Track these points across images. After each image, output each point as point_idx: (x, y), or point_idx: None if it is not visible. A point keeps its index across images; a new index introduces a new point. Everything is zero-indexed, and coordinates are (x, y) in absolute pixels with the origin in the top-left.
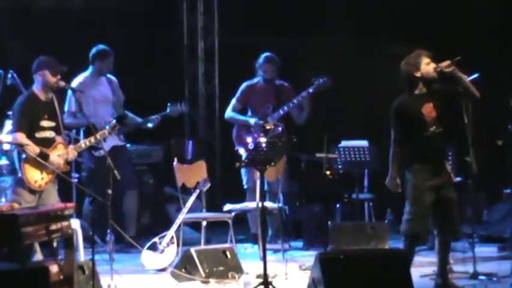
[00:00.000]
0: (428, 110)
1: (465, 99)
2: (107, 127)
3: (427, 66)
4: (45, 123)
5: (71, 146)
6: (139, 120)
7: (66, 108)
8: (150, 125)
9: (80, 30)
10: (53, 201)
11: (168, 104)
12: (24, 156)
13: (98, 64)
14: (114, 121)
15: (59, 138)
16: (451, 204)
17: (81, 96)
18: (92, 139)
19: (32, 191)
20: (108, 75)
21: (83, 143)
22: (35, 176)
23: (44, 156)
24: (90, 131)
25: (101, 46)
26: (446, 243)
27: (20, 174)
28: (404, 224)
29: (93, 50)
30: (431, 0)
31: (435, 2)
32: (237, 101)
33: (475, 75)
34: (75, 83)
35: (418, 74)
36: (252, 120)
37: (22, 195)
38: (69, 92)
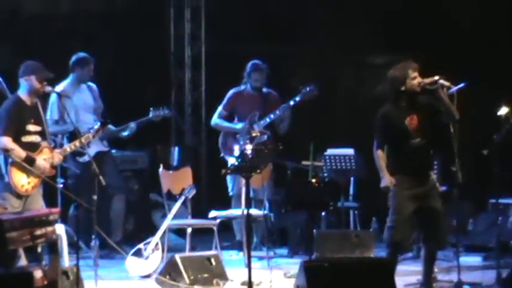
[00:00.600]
0: (412, 121)
1: (444, 118)
2: (91, 131)
3: (412, 81)
4: (31, 127)
5: (57, 150)
6: (114, 128)
7: (48, 116)
8: (125, 133)
9: (66, 35)
10: (37, 206)
11: (151, 109)
12: (10, 160)
13: (78, 72)
14: (98, 125)
15: (44, 143)
16: (436, 214)
17: (65, 102)
18: (77, 143)
19: (19, 196)
20: (89, 83)
21: (68, 147)
22: (22, 181)
23: (31, 161)
24: (74, 136)
25: (81, 54)
26: (431, 253)
27: (6, 179)
28: (386, 232)
29: (74, 58)
30: (418, 10)
31: (422, 12)
32: (223, 108)
33: (462, 85)
34: (58, 88)
35: (403, 88)
36: (239, 125)
37: (9, 200)
38: (52, 99)
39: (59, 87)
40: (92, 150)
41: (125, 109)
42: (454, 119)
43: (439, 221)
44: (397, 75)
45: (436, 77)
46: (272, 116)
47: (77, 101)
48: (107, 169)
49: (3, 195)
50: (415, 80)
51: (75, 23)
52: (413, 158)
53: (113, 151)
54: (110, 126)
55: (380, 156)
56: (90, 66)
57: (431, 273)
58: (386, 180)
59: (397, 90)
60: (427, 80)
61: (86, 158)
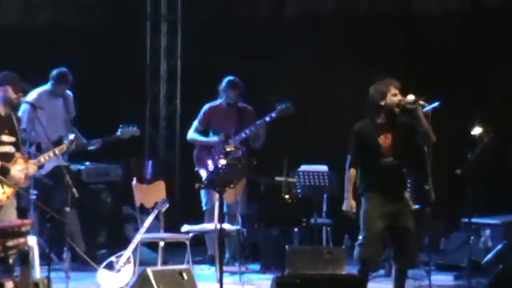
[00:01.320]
0: (386, 140)
1: (420, 139)
2: (65, 142)
3: (392, 97)
4: (5, 138)
5: (31, 161)
6: (83, 141)
7: None
8: (91, 147)
9: (43, 47)
10: (10, 217)
11: (120, 126)
12: None
13: (54, 86)
14: (72, 136)
15: (18, 154)
16: (407, 232)
17: (38, 112)
18: (51, 153)
19: None
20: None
21: (42, 157)
22: None
23: (5, 171)
24: (40, 147)
25: (63, 70)
26: (402, 270)
27: None
28: (356, 249)
29: (54, 71)
30: (393, 27)
31: (397, 29)
32: (199, 123)
33: (436, 104)
34: (31, 96)
35: (383, 103)
36: (214, 138)
37: None
38: (23, 107)
39: (34, 94)
40: (50, 163)
41: (99, 121)
42: (430, 141)
43: (410, 240)
44: (378, 89)
45: (413, 97)
46: (247, 131)
47: (48, 110)
48: (61, 183)
49: None
50: (395, 97)
51: (51, 35)
52: (385, 176)
53: (87, 163)
54: (81, 137)
55: (350, 177)
56: (66, 85)
57: None
58: (348, 204)
59: (376, 104)
60: (408, 99)
61: (42, 172)
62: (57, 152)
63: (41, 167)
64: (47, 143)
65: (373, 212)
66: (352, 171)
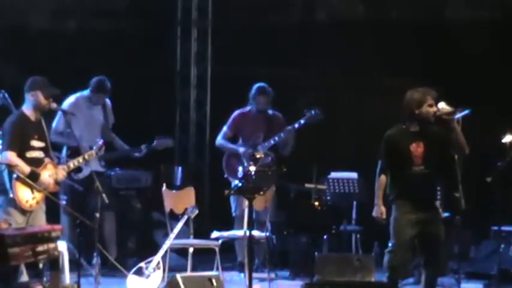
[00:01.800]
0: (418, 148)
1: (453, 150)
2: (94, 148)
3: (428, 108)
4: (35, 143)
5: (60, 166)
6: (127, 148)
7: (53, 125)
8: (136, 154)
9: (72, 53)
10: (40, 222)
11: (155, 137)
12: (15, 176)
13: (92, 94)
14: (101, 142)
15: (47, 159)
16: (437, 240)
17: (71, 118)
18: (80, 159)
19: (23, 212)
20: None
21: (72, 163)
22: (26, 196)
23: (35, 176)
24: (74, 152)
25: (101, 79)
26: (431, 278)
27: (11, 194)
28: (386, 256)
29: (94, 79)
30: (423, 35)
31: (427, 37)
32: (228, 129)
33: (467, 111)
34: (68, 100)
35: (417, 112)
36: (241, 150)
37: (13, 216)
38: (59, 113)
39: (72, 98)
40: (87, 168)
41: (129, 128)
42: (464, 153)
43: (439, 248)
44: (415, 98)
45: (445, 105)
46: (276, 138)
47: (86, 116)
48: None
49: (8, 211)
50: (431, 107)
51: (81, 41)
52: (415, 184)
53: (117, 169)
54: (124, 144)
55: (380, 183)
56: (102, 95)
57: None
58: (378, 210)
59: (411, 112)
60: (445, 110)
61: (80, 176)
62: (86, 157)
63: (79, 170)
64: (84, 147)
65: (403, 220)
66: (383, 177)
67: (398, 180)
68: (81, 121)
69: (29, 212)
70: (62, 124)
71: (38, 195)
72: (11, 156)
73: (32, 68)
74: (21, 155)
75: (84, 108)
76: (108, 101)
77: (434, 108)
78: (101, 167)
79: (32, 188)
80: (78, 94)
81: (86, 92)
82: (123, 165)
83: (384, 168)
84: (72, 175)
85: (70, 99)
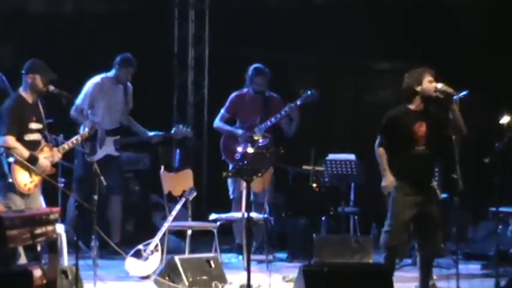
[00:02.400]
0: (421, 128)
1: (452, 132)
2: (87, 129)
3: (428, 84)
4: (33, 125)
5: (55, 149)
6: (147, 134)
7: (77, 101)
8: (153, 140)
9: (70, 35)
10: (38, 205)
11: (174, 125)
12: (13, 159)
13: (117, 71)
14: (91, 123)
15: (43, 142)
16: (433, 221)
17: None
18: (74, 140)
19: (22, 195)
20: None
21: (66, 144)
22: (24, 180)
23: (34, 159)
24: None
25: (127, 55)
26: (427, 259)
27: (9, 179)
28: (383, 236)
29: (119, 56)
30: (421, 17)
31: (425, 19)
32: (225, 111)
33: (465, 92)
34: (94, 80)
35: (419, 89)
36: (239, 132)
37: (12, 199)
38: (88, 88)
39: (97, 78)
40: (102, 151)
41: None
42: (462, 134)
43: (435, 229)
44: (414, 76)
45: (451, 89)
46: (273, 119)
47: (109, 98)
48: (111, 172)
49: (7, 195)
50: (431, 83)
51: (78, 23)
52: (416, 165)
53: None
54: (143, 130)
55: (381, 153)
56: (130, 69)
57: (428, 280)
58: (387, 179)
59: (412, 90)
60: (446, 88)
61: (93, 158)
62: (79, 138)
63: (93, 153)
64: (102, 129)
65: (402, 201)
66: (381, 149)
67: (399, 160)
68: (103, 103)
69: (27, 195)
70: (87, 104)
71: (36, 179)
72: (10, 141)
73: (31, 51)
74: (19, 138)
75: (108, 90)
76: (130, 85)
77: (434, 84)
78: (116, 152)
79: (30, 171)
80: (103, 75)
81: (110, 73)
82: (121, 148)
83: (382, 142)
84: (86, 157)
85: (95, 79)
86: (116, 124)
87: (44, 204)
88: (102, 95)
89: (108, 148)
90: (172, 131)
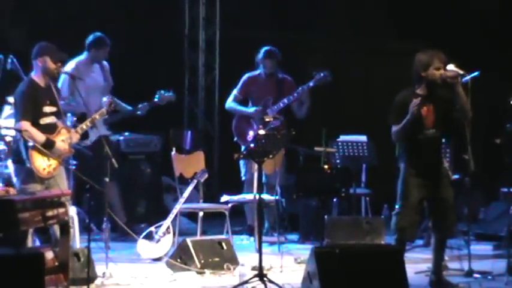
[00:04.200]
0: (429, 112)
1: (458, 115)
2: (104, 107)
3: (434, 71)
4: (47, 108)
5: (73, 130)
6: (129, 108)
7: None
8: (139, 113)
9: (79, 17)
10: (64, 185)
11: (157, 92)
12: (30, 145)
13: (93, 51)
14: (109, 99)
15: (60, 123)
16: (445, 203)
17: (77, 82)
18: (92, 119)
19: (41, 180)
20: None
21: (84, 124)
22: (43, 164)
23: (50, 143)
24: (82, 118)
25: (99, 34)
26: (440, 241)
27: (28, 164)
28: (393, 218)
29: (91, 37)
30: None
31: (435, 1)
32: (238, 92)
33: (475, 73)
34: (69, 66)
35: (424, 74)
36: (252, 109)
37: (31, 185)
38: (62, 78)
39: (71, 64)
40: (94, 134)
41: (137, 92)
42: (466, 118)
43: (447, 210)
44: (422, 60)
45: (454, 68)
46: (286, 101)
47: (88, 81)
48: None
49: (26, 180)
50: (438, 70)
51: (88, 5)
52: (425, 148)
53: (126, 133)
54: (125, 105)
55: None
56: (106, 48)
57: (441, 261)
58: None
59: (418, 74)
60: (450, 73)
61: (87, 142)
62: (97, 117)
63: (86, 137)
64: (90, 112)
65: (411, 182)
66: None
67: (409, 144)
68: (84, 86)
69: (46, 179)
70: (67, 90)
71: (54, 162)
72: (26, 126)
73: (41, 34)
74: (35, 123)
75: (84, 72)
76: (106, 63)
77: (441, 71)
78: (107, 130)
79: (47, 155)
80: (76, 60)
81: (82, 56)
82: (132, 130)
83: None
84: (80, 143)
85: (71, 65)
86: (100, 104)
87: (66, 185)
88: (80, 81)
89: (101, 129)
90: (156, 99)
